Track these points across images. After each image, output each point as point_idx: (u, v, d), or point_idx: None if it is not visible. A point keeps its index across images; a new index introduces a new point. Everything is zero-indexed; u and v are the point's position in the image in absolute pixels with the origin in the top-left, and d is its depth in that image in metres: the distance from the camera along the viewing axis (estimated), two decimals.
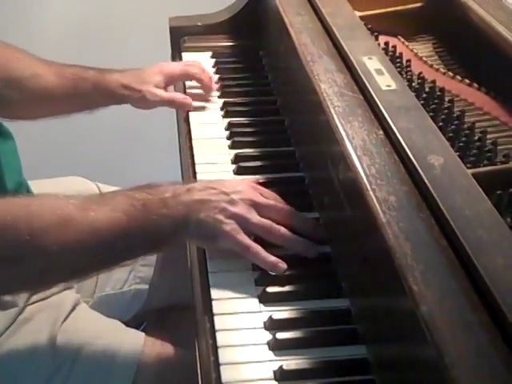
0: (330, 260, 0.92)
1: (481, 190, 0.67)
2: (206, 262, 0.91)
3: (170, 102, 1.22)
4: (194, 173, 1.11)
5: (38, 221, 0.80)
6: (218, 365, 0.78)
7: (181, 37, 1.46)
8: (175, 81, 1.28)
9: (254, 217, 0.88)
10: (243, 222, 0.87)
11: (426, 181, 0.68)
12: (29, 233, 0.78)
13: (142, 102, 1.21)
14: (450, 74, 1.04)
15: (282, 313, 0.84)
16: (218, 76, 1.36)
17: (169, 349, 1.01)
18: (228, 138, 1.19)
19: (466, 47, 1.09)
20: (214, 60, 1.41)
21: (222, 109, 1.26)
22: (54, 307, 1.01)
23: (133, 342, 1.00)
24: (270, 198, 0.93)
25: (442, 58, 1.11)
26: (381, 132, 0.78)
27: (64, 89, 1.19)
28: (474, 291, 0.58)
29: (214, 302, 0.86)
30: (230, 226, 0.86)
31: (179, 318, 1.21)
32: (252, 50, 1.43)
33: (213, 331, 0.83)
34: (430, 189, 0.67)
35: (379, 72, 0.86)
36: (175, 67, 1.29)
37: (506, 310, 0.55)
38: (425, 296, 0.58)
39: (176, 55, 1.46)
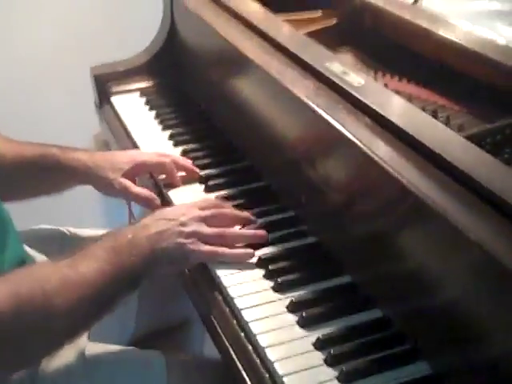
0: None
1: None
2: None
3: (136, 197, 1.18)
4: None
5: (48, 286, 0.85)
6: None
7: (105, 84, 1.54)
8: (146, 171, 1.24)
9: (206, 229, 1.00)
10: (200, 237, 0.98)
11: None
12: (44, 300, 0.84)
13: (109, 189, 1.19)
14: (380, 73, 1.20)
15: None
16: (154, 112, 1.45)
17: (188, 357, 1.07)
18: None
19: (382, 49, 1.25)
20: (144, 98, 1.51)
21: (169, 139, 1.36)
22: None
23: (155, 355, 1.05)
24: (210, 206, 1.05)
25: (365, 64, 1.27)
26: (367, 119, 0.92)
27: (22, 169, 1.16)
28: None
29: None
30: (193, 243, 0.97)
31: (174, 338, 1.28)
32: (176, 85, 1.54)
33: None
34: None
35: (345, 73, 1.00)
36: (148, 157, 1.23)
37: None
38: None
39: (104, 101, 1.54)
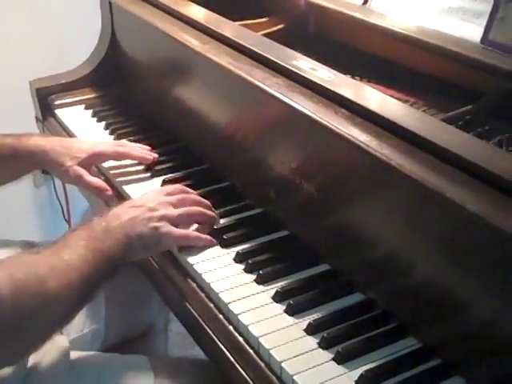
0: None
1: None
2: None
3: (89, 186, 1.20)
4: None
5: (39, 271, 0.86)
6: None
7: (47, 97, 1.52)
8: (104, 161, 1.27)
9: (175, 211, 1.04)
10: (169, 219, 1.02)
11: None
12: (38, 285, 0.84)
13: (63, 175, 1.22)
14: None
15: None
16: (104, 123, 1.44)
17: (173, 359, 1.07)
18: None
19: (328, 50, 1.30)
20: (90, 110, 1.49)
21: None
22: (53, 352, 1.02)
23: (139, 360, 1.05)
24: (176, 192, 1.09)
25: None
26: (343, 110, 0.96)
27: None
28: None
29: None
30: (164, 226, 1.01)
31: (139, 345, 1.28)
32: (120, 94, 1.54)
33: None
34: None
35: (313, 69, 1.04)
36: (106, 147, 1.26)
37: None
38: None
39: (46, 114, 1.52)
